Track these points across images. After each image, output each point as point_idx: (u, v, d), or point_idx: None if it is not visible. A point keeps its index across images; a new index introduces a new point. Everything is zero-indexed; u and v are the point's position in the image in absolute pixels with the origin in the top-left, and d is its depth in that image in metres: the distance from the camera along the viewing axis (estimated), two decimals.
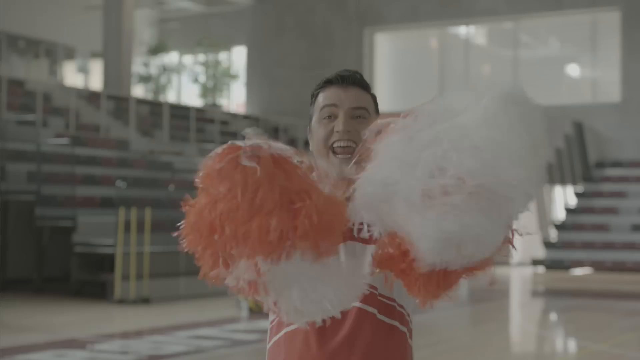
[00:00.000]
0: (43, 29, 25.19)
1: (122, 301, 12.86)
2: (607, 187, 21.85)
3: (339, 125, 2.19)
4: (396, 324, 2.15)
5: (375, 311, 2.12)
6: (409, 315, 2.21)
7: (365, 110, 2.23)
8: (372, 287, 2.10)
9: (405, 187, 1.75)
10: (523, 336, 11.42)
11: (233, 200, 1.76)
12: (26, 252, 15.36)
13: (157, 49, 27.34)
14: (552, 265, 19.37)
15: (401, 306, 2.17)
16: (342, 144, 2.18)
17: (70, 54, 26.66)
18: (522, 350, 9.97)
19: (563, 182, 21.89)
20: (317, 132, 2.23)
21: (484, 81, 2.00)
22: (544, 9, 23.66)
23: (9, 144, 15.19)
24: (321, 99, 2.25)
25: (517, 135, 1.76)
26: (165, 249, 13.72)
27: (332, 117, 2.21)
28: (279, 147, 1.85)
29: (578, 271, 19.12)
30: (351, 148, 2.17)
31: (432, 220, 1.72)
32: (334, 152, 2.19)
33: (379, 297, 2.13)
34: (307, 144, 2.31)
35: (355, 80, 2.26)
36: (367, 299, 2.08)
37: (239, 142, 1.89)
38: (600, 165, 22.83)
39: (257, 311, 11.85)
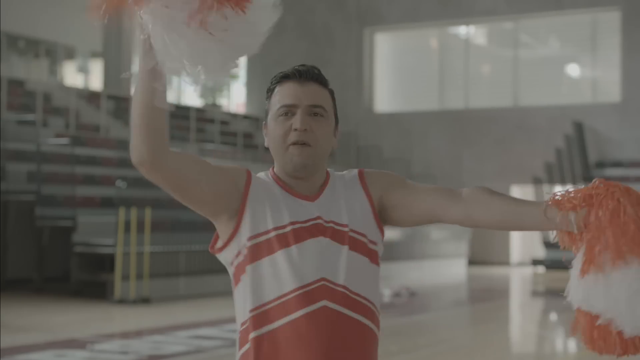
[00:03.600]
0: (43, 29, 25.19)
1: (122, 301, 12.86)
2: None
3: (296, 122, 2.16)
4: (367, 322, 2.14)
5: (349, 311, 2.11)
6: (378, 313, 2.20)
7: (322, 108, 2.19)
8: (343, 286, 2.11)
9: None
10: (523, 336, 11.42)
11: None
12: (26, 252, 15.36)
13: None
14: (552, 265, 19.36)
15: (371, 302, 2.15)
16: (299, 141, 2.15)
17: (70, 54, 26.66)
18: (522, 350, 9.97)
19: (563, 182, 21.89)
20: (274, 130, 2.19)
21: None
22: (544, 9, 23.65)
23: (9, 144, 15.19)
24: (278, 96, 2.20)
25: None
26: (165, 249, 13.72)
27: (289, 114, 2.18)
28: None
29: None
30: (307, 146, 2.16)
31: None
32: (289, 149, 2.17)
33: (351, 296, 2.12)
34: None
35: (313, 76, 2.21)
36: (339, 298, 2.09)
37: None
38: (600, 165, 22.83)
39: None
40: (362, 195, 2.22)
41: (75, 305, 12.82)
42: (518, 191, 23.76)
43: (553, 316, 13.71)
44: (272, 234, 2.13)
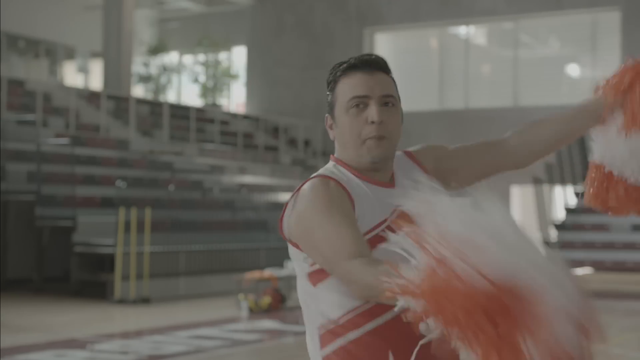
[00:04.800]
0: (43, 29, 25.19)
1: (122, 301, 12.86)
2: None
3: (373, 115, 2.11)
4: None
5: None
6: None
7: (393, 97, 2.17)
8: None
9: None
10: None
11: None
12: (26, 252, 15.36)
13: (157, 49, 27.34)
14: None
15: None
16: (376, 134, 2.11)
17: (70, 54, 26.66)
18: None
19: (563, 182, 21.89)
20: (346, 124, 2.13)
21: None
22: (544, 9, 23.65)
23: (9, 144, 15.19)
24: (346, 87, 2.14)
25: None
26: (165, 249, 13.72)
27: (361, 106, 2.12)
28: None
29: (578, 271, 19.12)
30: (384, 138, 2.13)
31: None
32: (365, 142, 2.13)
33: None
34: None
35: (380, 65, 2.18)
36: None
37: None
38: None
39: (257, 311, 11.85)
40: (419, 172, 2.25)
41: (75, 305, 12.82)
42: (518, 191, 23.76)
43: None
44: (377, 230, 2.08)
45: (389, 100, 2.16)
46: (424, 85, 25.27)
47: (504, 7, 23.94)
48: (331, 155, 2.23)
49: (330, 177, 2.12)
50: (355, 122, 2.12)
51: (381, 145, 2.12)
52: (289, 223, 2.11)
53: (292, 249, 2.14)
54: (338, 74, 2.17)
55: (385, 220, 2.10)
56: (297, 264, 2.14)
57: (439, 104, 24.95)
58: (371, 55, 2.19)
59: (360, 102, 2.12)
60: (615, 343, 9.92)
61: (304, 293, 2.14)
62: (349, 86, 2.14)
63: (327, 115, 2.20)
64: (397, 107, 2.19)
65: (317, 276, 2.09)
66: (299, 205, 2.08)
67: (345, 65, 2.17)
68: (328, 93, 2.20)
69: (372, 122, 2.11)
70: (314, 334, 2.11)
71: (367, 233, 2.08)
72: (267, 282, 12.49)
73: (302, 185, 2.14)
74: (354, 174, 2.15)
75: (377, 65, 2.17)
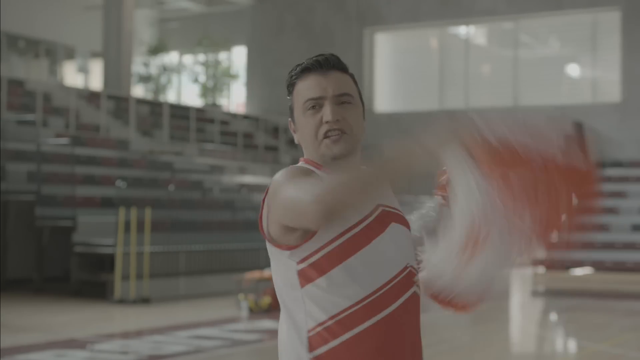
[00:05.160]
0: (43, 29, 25.19)
1: (122, 301, 12.86)
2: (607, 187, 21.84)
3: (327, 114, 2.12)
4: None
5: (418, 289, 2.18)
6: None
7: (349, 95, 2.17)
8: (416, 268, 2.17)
9: None
10: (523, 336, 11.42)
11: None
12: (26, 252, 15.36)
13: (157, 49, 27.35)
14: (552, 265, 19.34)
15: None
16: (332, 133, 2.13)
17: (70, 54, 26.66)
18: (522, 350, 9.97)
19: None
20: (304, 126, 2.16)
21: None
22: (544, 9, 23.65)
23: (9, 144, 15.19)
24: (302, 90, 2.16)
25: None
26: (165, 249, 13.72)
27: (317, 107, 2.15)
28: None
29: (578, 271, 19.11)
30: (342, 133, 2.14)
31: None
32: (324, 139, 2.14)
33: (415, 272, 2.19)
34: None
35: (334, 64, 2.18)
36: (416, 280, 2.16)
37: None
38: (600, 165, 22.80)
39: (257, 311, 11.85)
40: None
41: (75, 305, 12.82)
42: None
43: (553, 316, 13.71)
44: (361, 225, 2.09)
45: (345, 99, 2.17)
46: (424, 85, 25.27)
47: (504, 7, 23.94)
48: (301, 158, 2.24)
49: (303, 167, 2.15)
50: (312, 123, 2.15)
51: (339, 141, 2.14)
52: (267, 219, 2.12)
53: (274, 249, 2.13)
54: (294, 77, 2.20)
55: (368, 216, 2.11)
56: (282, 264, 2.13)
57: (439, 104, 24.95)
58: (324, 55, 2.20)
59: (315, 104, 2.15)
60: (615, 343, 9.93)
61: (288, 295, 2.13)
62: (304, 89, 2.16)
63: (289, 119, 2.24)
64: (355, 104, 2.19)
65: (308, 274, 2.08)
66: (271, 189, 2.09)
67: (299, 68, 2.19)
68: (288, 97, 2.23)
69: (327, 122, 2.13)
70: (300, 336, 2.08)
71: (354, 226, 2.08)
72: (267, 282, 12.48)
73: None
74: (327, 172, 2.16)
75: (330, 65, 2.18)
